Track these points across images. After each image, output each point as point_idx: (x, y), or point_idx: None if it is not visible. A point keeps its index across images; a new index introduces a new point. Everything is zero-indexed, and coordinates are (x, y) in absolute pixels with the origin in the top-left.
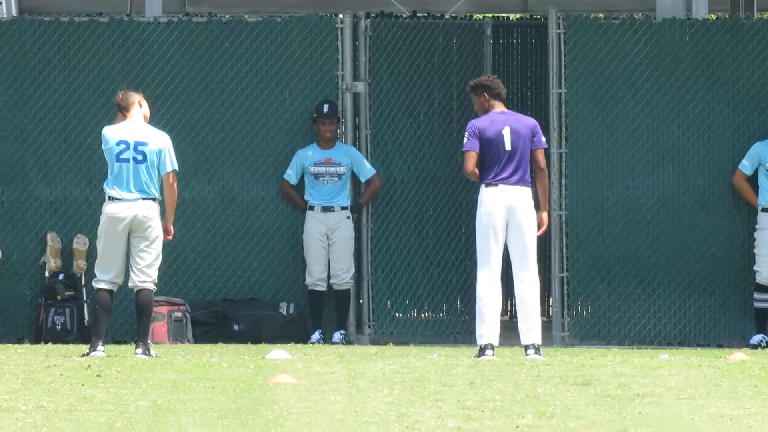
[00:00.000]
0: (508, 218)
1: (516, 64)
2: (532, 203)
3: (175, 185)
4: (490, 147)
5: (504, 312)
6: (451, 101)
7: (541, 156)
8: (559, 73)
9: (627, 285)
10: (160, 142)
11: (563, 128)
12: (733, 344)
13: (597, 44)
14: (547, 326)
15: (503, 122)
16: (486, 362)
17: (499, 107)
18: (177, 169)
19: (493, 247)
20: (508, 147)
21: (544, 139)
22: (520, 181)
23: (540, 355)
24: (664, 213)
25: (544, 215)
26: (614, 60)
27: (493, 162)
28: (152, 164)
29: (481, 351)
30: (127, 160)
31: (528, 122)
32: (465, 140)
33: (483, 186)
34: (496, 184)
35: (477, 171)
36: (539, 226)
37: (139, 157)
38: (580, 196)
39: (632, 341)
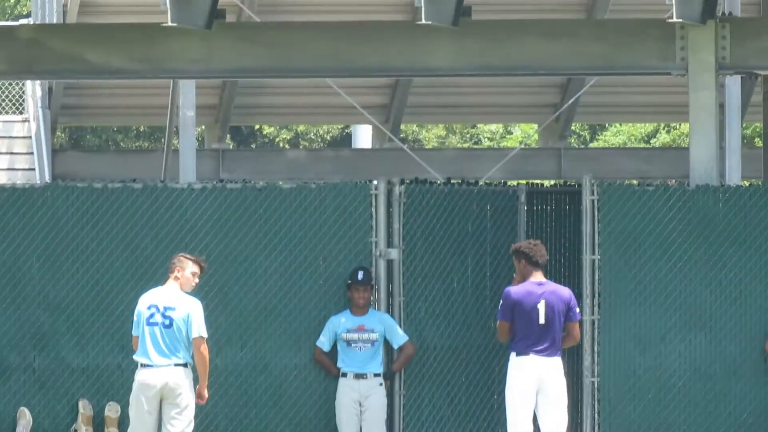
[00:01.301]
0: (538, 388)
1: (549, 230)
2: (562, 372)
3: (204, 351)
4: (523, 319)
5: None
6: (484, 268)
7: (575, 330)
8: (593, 239)
9: None
10: (187, 308)
11: (596, 294)
12: None
13: (630, 211)
14: None
15: (539, 295)
16: None
17: (536, 276)
18: (204, 335)
19: (521, 416)
20: (542, 321)
21: (578, 310)
22: (552, 353)
23: None
24: (696, 380)
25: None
26: (647, 226)
27: (526, 334)
28: (179, 330)
29: None
30: (156, 324)
31: (563, 295)
32: (499, 308)
33: (513, 355)
34: (527, 353)
35: (507, 340)
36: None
37: (167, 322)
38: (612, 362)
39: None
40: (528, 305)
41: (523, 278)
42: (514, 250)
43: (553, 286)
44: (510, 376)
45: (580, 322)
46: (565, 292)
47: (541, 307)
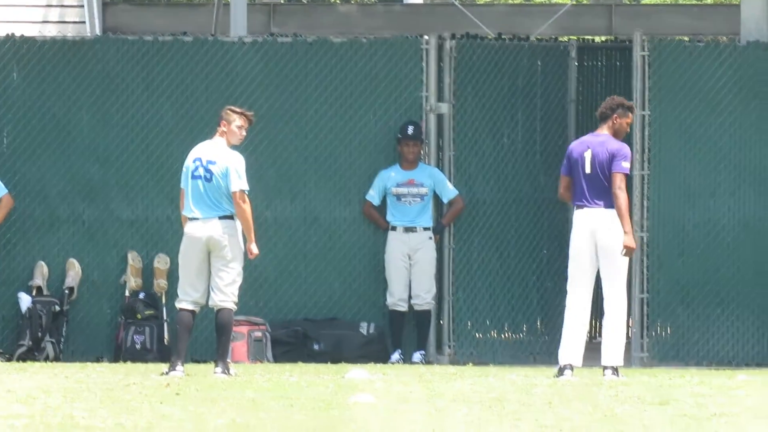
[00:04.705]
0: (594, 240)
1: (600, 86)
2: (617, 225)
3: (245, 205)
4: (574, 168)
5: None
6: (534, 123)
7: (615, 180)
8: (643, 95)
9: (706, 306)
10: (227, 161)
11: (646, 150)
12: None
13: (681, 67)
14: (626, 347)
15: (588, 145)
16: (564, 382)
17: (600, 129)
18: (243, 188)
19: (579, 268)
20: (588, 170)
21: (625, 164)
22: (604, 205)
23: (618, 376)
24: (745, 234)
25: (626, 239)
26: (698, 82)
27: (577, 184)
28: (219, 183)
29: (561, 371)
30: (199, 177)
31: (612, 146)
32: None
33: (575, 208)
34: (582, 207)
35: (566, 193)
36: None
37: (208, 176)
38: (662, 217)
39: (711, 362)
40: (577, 154)
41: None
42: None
43: (606, 138)
44: (572, 230)
45: (630, 177)
46: (615, 144)
47: (588, 155)
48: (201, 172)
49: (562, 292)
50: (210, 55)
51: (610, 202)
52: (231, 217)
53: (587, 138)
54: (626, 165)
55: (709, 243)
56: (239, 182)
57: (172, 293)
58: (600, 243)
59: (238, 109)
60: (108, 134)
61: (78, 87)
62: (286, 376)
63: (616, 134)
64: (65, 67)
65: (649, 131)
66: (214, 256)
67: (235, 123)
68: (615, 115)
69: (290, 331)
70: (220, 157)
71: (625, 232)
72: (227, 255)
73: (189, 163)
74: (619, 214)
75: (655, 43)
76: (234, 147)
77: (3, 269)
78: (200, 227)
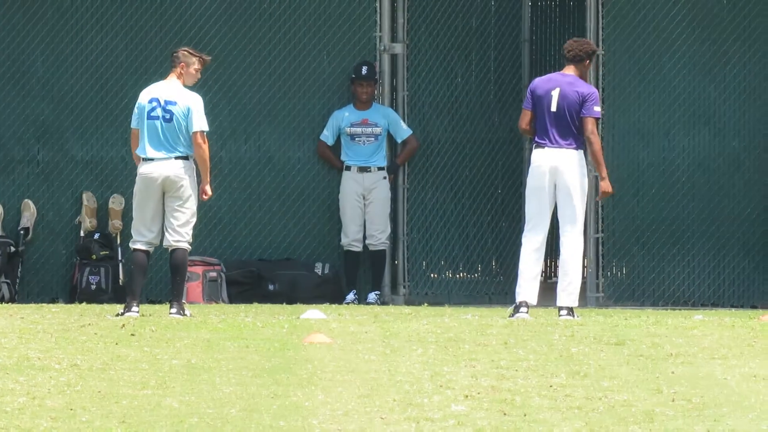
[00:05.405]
0: (555, 180)
1: (554, 26)
2: (579, 166)
3: (204, 146)
4: (539, 106)
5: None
6: (488, 63)
7: (588, 124)
8: (597, 35)
9: (662, 246)
10: (187, 102)
11: (600, 90)
12: (767, 305)
13: (635, 6)
14: (581, 287)
15: (556, 83)
16: (520, 322)
17: (567, 70)
18: (204, 128)
19: (536, 207)
20: (553, 108)
21: (597, 108)
22: (567, 145)
23: (573, 316)
24: (700, 174)
25: (602, 184)
26: (652, 21)
27: (541, 122)
28: (179, 124)
29: (516, 308)
30: (157, 118)
31: (582, 89)
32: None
33: (533, 146)
34: (543, 146)
35: (529, 128)
36: (598, 193)
37: (167, 116)
38: (617, 157)
39: (666, 302)
40: (543, 91)
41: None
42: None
43: (574, 79)
44: (529, 168)
45: (598, 121)
46: (585, 87)
47: (555, 94)
48: (159, 112)
49: (517, 232)
50: None
51: (573, 143)
52: (187, 158)
53: (555, 76)
54: (598, 109)
55: (663, 183)
56: (201, 122)
57: (126, 234)
58: (562, 183)
59: (196, 53)
60: (62, 75)
61: (32, 28)
62: (241, 317)
63: (581, 78)
64: (19, 9)
65: (603, 71)
66: (169, 197)
67: (194, 66)
68: (588, 61)
69: (245, 271)
70: (180, 97)
71: (601, 178)
72: (183, 195)
73: (143, 102)
74: (595, 159)
75: None
76: (189, 87)
77: None
78: (156, 167)
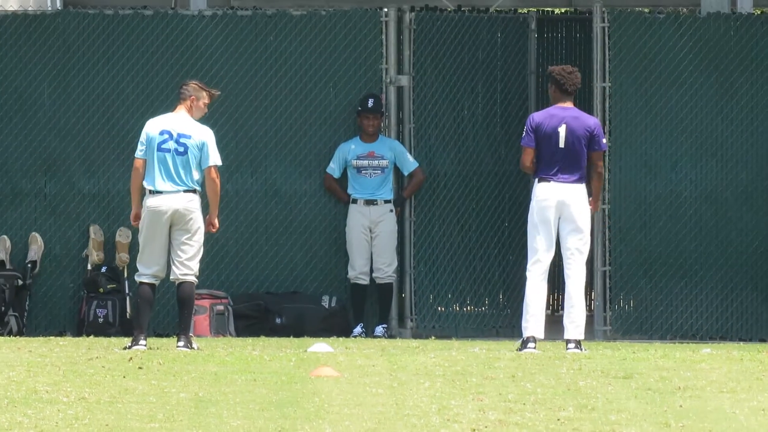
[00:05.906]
0: (560, 214)
1: (560, 59)
2: (585, 200)
3: (217, 179)
4: (545, 143)
5: (547, 306)
6: (495, 95)
7: (598, 159)
8: (603, 67)
9: (669, 279)
10: (202, 136)
11: (606, 122)
12: None
13: (641, 39)
14: (589, 320)
15: (561, 119)
16: (528, 355)
17: (564, 102)
18: (218, 163)
19: (542, 241)
20: (561, 145)
21: (604, 141)
22: (574, 180)
23: (581, 349)
24: (707, 207)
25: (596, 204)
26: (658, 54)
27: (548, 158)
28: (193, 157)
29: (524, 343)
30: (168, 150)
31: (588, 123)
32: (523, 134)
33: (536, 181)
34: (549, 180)
35: (533, 166)
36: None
37: (181, 149)
38: (624, 189)
39: (674, 336)
40: (549, 128)
41: (554, 102)
42: (548, 73)
43: (578, 114)
44: (532, 201)
45: (604, 154)
46: (591, 120)
47: (562, 130)
48: (171, 145)
49: (523, 265)
50: (170, 29)
51: (579, 177)
52: (194, 191)
53: (556, 111)
54: (605, 141)
55: (671, 215)
56: (215, 157)
57: (133, 267)
58: (569, 216)
59: (206, 87)
60: (69, 108)
61: (39, 61)
62: (248, 350)
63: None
64: (26, 42)
65: (610, 103)
66: (177, 230)
67: (203, 100)
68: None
69: (252, 304)
70: (194, 131)
71: (595, 200)
72: (191, 228)
73: (153, 133)
74: (597, 191)
75: (615, 15)
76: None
77: None
78: (165, 200)
